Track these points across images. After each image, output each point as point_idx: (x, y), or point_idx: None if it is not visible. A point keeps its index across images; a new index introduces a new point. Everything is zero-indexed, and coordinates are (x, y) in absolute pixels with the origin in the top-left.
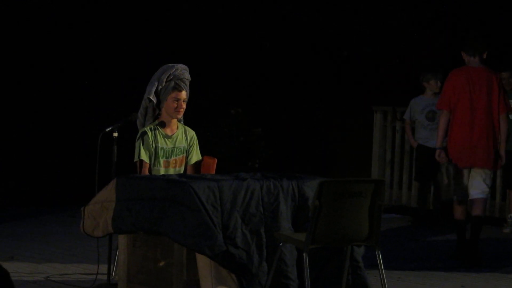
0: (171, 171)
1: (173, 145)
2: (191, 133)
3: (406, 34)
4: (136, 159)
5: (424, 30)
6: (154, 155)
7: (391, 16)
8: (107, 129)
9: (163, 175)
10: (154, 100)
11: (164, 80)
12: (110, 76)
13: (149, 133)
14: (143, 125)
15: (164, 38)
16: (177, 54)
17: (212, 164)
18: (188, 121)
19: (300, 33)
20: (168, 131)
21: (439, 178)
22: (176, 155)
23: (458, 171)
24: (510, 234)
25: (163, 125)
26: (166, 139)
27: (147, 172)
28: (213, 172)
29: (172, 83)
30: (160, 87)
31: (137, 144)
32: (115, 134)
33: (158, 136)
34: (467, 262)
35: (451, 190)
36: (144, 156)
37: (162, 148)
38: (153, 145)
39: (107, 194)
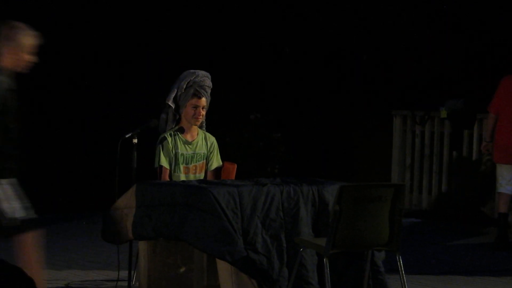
0: (191, 177)
1: (193, 151)
2: (211, 139)
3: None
4: (156, 165)
5: (444, 33)
6: (174, 161)
7: (411, 19)
8: (127, 135)
9: (183, 181)
10: (172, 106)
11: (184, 86)
12: (130, 82)
13: (169, 139)
14: (164, 131)
15: (185, 43)
16: (198, 60)
17: (232, 169)
18: (207, 126)
19: (319, 37)
20: (188, 137)
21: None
22: (196, 161)
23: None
24: None
25: (182, 131)
26: (186, 145)
27: (167, 178)
28: (233, 177)
29: (192, 90)
30: (179, 93)
31: (157, 150)
32: (135, 140)
33: (178, 142)
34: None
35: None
36: (164, 162)
37: (182, 154)
38: (173, 151)
39: (127, 201)
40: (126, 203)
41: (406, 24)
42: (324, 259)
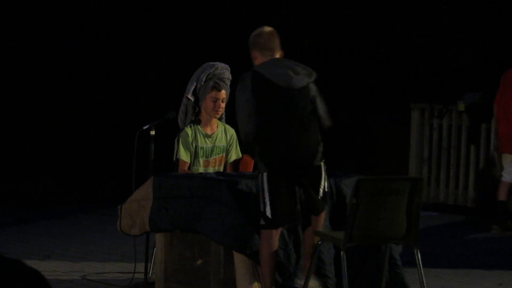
0: (211, 170)
1: (213, 144)
2: (231, 131)
3: (444, 32)
4: (175, 158)
5: (464, 27)
6: (194, 155)
7: (430, 12)
8: (144, 127)
9: (200, 173)
10: (192, 98)
11: (204, 79)
12: (148, 74)
13: (189, 132)
14: (184, 123)
15: (203, 37)
16: (216, 52)
17: (250, 162)
18: (227, 119)
19: (337, 31)
20: (208, 130)
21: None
22: (216, 154)
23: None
24: None
25: (198, 122)
26: (206, 138)
27: (185, 171)
28: (251, 170)
29: (211, 82)
30: (199, 85)
31: (176, 143)
32: (152, 132)
33: (198, 135)
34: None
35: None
36: (184, 156)
37: (202, 147)
38: (193, 145)
39: (144, 193)
40: (143, 195)
41: (425, 17)
42: (341, 252)
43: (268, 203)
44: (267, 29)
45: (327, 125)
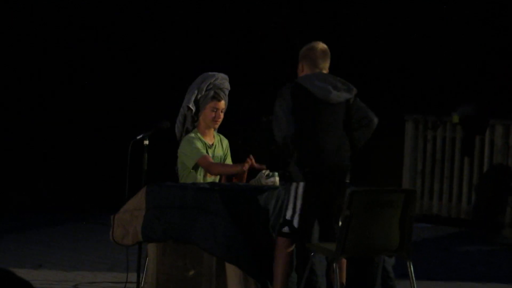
0: (208, 179)
1: (213, 154)
2: (225, 141)
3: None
4: (198, 156)
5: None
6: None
7: (424, 24)
8: (138, 137)
9: (193, 183)
10: (193, 108)
11: (204, 88)
12: (142, 84)
13: (196, 137)
14: (181, 133)
15: (196, 46)
16: (209, 62)
17: (244, 173)
18: (220, 128)
19: (331, 38)
20: (208, 139)
21: None
22: None
23: None
24: None
25: (196, 132)
26: (208, 149)
27: (212, 161)
28: (244, 181)
29: (212, 92)
30: (199, 95)
31: (188, 147)
32: (146, 142)
33: (202, 144)
34: None
35: None
36: (204, 151)
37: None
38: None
39: (137, 202)
40: (136, 205)
41: (419, 28)
42: (334, 265)
43: (298, 212)
44: (321, 46)
45: (358, 146)
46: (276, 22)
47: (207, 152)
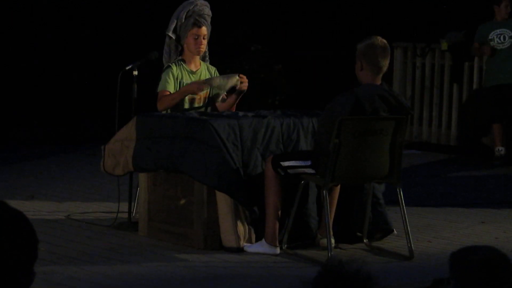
0: (196, 105)
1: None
2: (213, 69)
3: None
4: (159, 89)
5: None
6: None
7: None
8: (127, 67)
9: (183, 112)
10: (173, 37)
11: (184, 16)
12: (129, 14)
13: (174, 68)
14: (169, 63)
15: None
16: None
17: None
18: (210, 57)
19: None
20: (192, 67)
21: None
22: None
23: None
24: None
25: (183, 61)
26: (191, 75)
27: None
28: (234, 109)
29: (192, 20)
30: (179, 23)
31: (162, 76)
32: (135, 72)
33: (183, 72)
34: None
35: None
36: (169, 87)
37: (187, 84)
38: (178, 81)
39: (127, 133)
40: (127, 135)
41: None
42: (323, 192)
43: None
44: (381, 42)
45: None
46: (275, 21)
47: (189, 77)
